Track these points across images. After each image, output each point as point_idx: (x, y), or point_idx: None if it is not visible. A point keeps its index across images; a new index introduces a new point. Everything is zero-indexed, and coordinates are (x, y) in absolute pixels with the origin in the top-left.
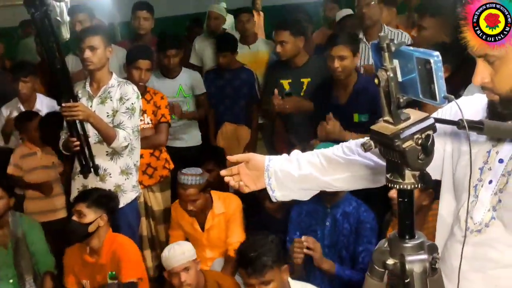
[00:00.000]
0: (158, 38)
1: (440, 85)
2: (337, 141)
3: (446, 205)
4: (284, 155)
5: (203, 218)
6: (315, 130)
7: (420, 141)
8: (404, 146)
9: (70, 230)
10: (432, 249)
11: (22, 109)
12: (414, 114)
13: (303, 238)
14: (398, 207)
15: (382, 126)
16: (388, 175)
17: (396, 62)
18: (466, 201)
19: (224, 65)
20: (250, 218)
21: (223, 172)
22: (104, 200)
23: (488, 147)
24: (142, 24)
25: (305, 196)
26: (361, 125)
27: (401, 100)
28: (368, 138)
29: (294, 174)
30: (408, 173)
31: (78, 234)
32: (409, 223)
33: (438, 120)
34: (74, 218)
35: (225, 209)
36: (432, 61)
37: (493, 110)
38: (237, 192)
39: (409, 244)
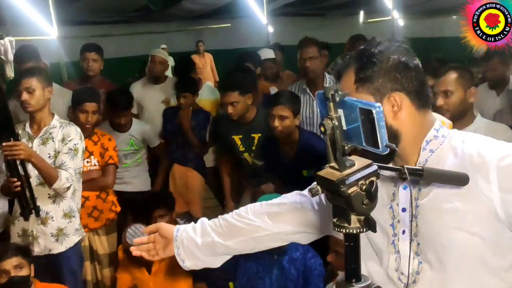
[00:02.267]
0: (108, 95)
1: (382, 134)
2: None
3: (374, 272)
4: (192, 224)
5: (150, 261)
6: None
7: (364, 187)
8: (349, 191)
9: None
10: None
11: None
12: (358, 161)
13: None
14: (345, 252)
15: (328, 172)
16: (334, 220)
17: (341, 111)
18: (389, 260)
19: (185, 106)
20: None
21: (137, 241)
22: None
23: (388, 203)
24: (91, 65)
25: (216, 263)
26: (311, 180)
27: (346, 148)
28: (315, 183)
29: (198, 242)
30: (353, 217)
31: None
32: (355, 266)
33: (381, 167)
34: (13, 274)
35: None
36: (374, 111)
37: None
38: None
39: (356, 287)
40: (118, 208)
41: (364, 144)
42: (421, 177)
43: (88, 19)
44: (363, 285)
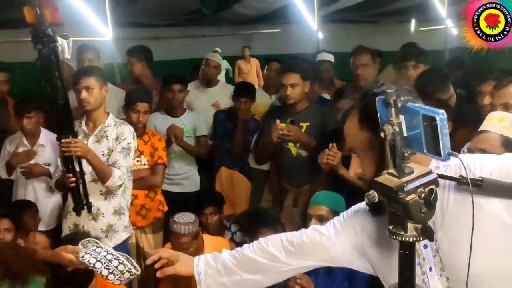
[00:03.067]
0: (164, 77)
1: (444, 142)
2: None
3: None
4: (209, 262)
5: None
6: (309, 178)
7: (423, 195)
8: (407, 199)
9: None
10: None
11: (26, 143)
12: (418, 169)
13: (298, 275)
14: (399, 260)
15: (387, 178)
16: (390, 227)
17: (402, 117)
18: None
19: (242, 111)
20: None
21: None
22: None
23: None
24: (135, 69)
25: None
26: None
27: (406, 154)
28: (372, 190)
29: (225, 281)
30: (410, 225)
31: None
32: (409, 275)
33: (441, 176)
34: None
35: None
36: (438, 118)
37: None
38: None
39: None
40: (166, 208)
41: (425, 151)
42: (481, 188)
43: (142, 21)
44: None
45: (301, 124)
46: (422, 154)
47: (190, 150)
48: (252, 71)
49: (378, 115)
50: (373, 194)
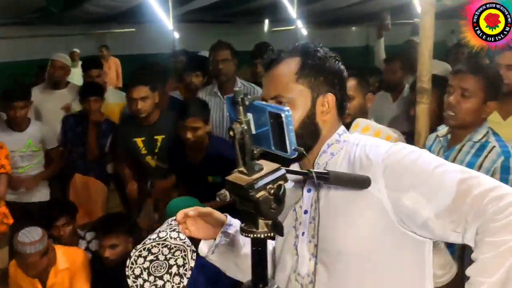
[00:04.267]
0: (4, 93)
1: (290, 138)
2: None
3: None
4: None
5: (45, 275)
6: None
7: (272, 191)
8: (257, 196)
9: None
10: None
11: None
12: (267, 165)
13: None
14: (252, 257)
15: (237, 176)
16: (242, 225)
17: (250, 115)
18: (289, 260)
19: (93, 111)
20: (95, 272)
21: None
22: None
23: (293, 205)
24: None
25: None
26: (216, 185)
27: (255, 152)
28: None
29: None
30: (261, 222)
31: None
32: (262, 271)
33: (289, 171)
34: None
35: (69, 264)
36: (283, 115)
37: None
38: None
39: None
40: (11, 220)
41: (273, 148)
42: (327, 181)
43: None
44: None
45: (155, 137)
46: (270, 151)
47: (46, 177)
48: (111, 71)
49: (228, 114)
50: (225, 193)
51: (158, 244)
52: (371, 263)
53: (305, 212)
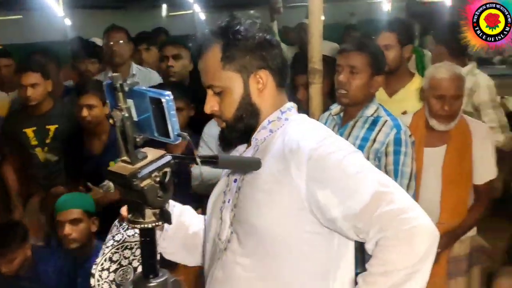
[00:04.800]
0: None
1: (173, 123)
2: None
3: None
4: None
5: None
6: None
7: (158, 179)
8: (142, 185)
9: None
10: (176, 285)
11: None
12: (151, 153)
13: None
14: (141, 247)
15: (120, 166)
16: (129, 216)
17: (130, 102)
18: (214, 224)
19: None
20: None
21: None
22: None
23: (228, 172)
24: None
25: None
26: None
27: (138, 139)
28: (107, 180)
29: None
30: (148, 211)
31: None
32: (152, 262)
33: (175, 157)
34: None
35: None
36: (164, 100)
37: (222, 136)
38: None
39: (153, 283)
40: None
41: (155, 134)
42: (217, 165)
43: None
44: (160, 280)
45: (48, 127)
46: (153, 137)
47: None
48: None
49: (108, 101)
50: (108, 184)
51: (118, 249)
52: (281, 244)
53: (235, 181)
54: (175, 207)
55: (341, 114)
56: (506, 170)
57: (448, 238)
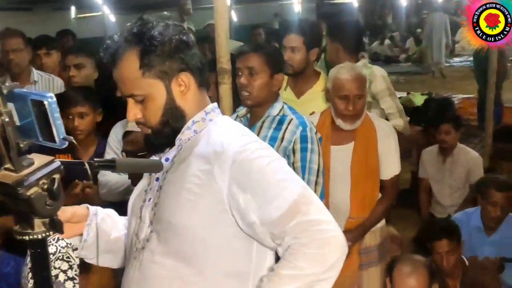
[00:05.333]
0: None
1: (58, 127)
2: None
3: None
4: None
5: None
6: None
7: (46, 186)
8: (28, 193)
9: None
10: None
11: None
12: (39, 159)
13: None
14: (32, 260)
15: (3, 174)
16: (16, 228)
17: (11, 105)
18: (133, 223)
19: None
20: None
21: None
22: None
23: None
24: None
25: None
26: None
27: (22, 146)
28: None
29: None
30: (37, 221)
31: None
32: (46, 274)
33: (64, 163)
34: None
35: None
36: (46, 102)
37: (148, 143)
38: None
39: None
40: None
41: (40, 139)
42: (114, 169)
43: None
44: None
45: None
46: (38, 142)
47: None
48: None
49: None
50: None
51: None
52: (201, 244)
53: (157, 179)
54: (96, 215)
55: (248, 116)
56: (414, 162)
57: (358, 232)
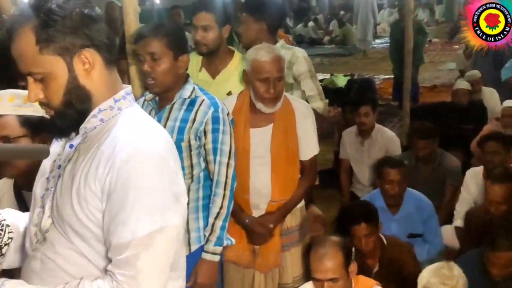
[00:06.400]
0: None
1: None
2: None
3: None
4: None
5: None
6: None
7: None
8: None
9: None
10: None
11: None
12: None
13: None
14: None
15: None
16: None
17: None
18: (34, 213)
19: None
20: None
21: None
22: None
23: (55, 157)
24: None
25: None
26: None
27: None
28: None
29: None
30: None
31: None
32: None
33: None
34: None
35: None
36: None
37: (52, 126)
38: None
39: None
40: None
41: None
42: None
43: None
44: None
45: None
46: None
47: None
48: None
49: None
50: None
51: None
52: (86, 240)
53: (59, 167)
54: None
55: (157, 99)
56: (336, 143)
57: (279, 214)
